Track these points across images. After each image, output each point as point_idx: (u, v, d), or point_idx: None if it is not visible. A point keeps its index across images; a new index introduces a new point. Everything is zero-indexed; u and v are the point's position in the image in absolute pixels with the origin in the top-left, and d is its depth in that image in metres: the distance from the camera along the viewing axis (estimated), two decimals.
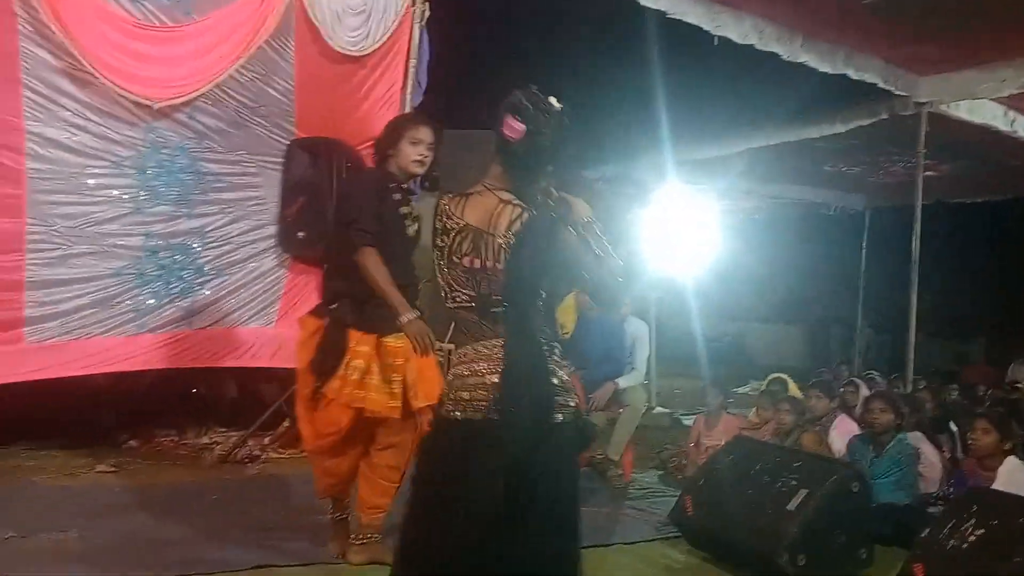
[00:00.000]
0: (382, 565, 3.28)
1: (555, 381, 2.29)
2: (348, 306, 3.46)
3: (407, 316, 3.38)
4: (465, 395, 2.33)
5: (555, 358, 2.34)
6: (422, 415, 3.41)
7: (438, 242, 2.40)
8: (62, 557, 3.45)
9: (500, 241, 2.32)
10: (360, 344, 3.41)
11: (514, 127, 2.33)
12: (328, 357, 3.42)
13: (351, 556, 3.59)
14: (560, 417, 2.28)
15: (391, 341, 3.42)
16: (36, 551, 3.50)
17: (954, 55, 5.96)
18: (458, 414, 2.34)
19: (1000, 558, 3.17)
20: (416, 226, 3.57)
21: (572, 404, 2.34)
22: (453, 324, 2.47)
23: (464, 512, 2.25)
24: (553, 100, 2.36)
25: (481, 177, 2.43)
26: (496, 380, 2.29)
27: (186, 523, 3.99)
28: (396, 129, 3.64)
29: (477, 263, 2.34)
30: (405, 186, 3.64)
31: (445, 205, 2.42)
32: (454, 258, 2.36)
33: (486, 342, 2.35)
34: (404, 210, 3.53)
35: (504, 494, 2.19)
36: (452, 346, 2.54)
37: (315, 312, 3.66)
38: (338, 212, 3.57)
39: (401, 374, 3.40)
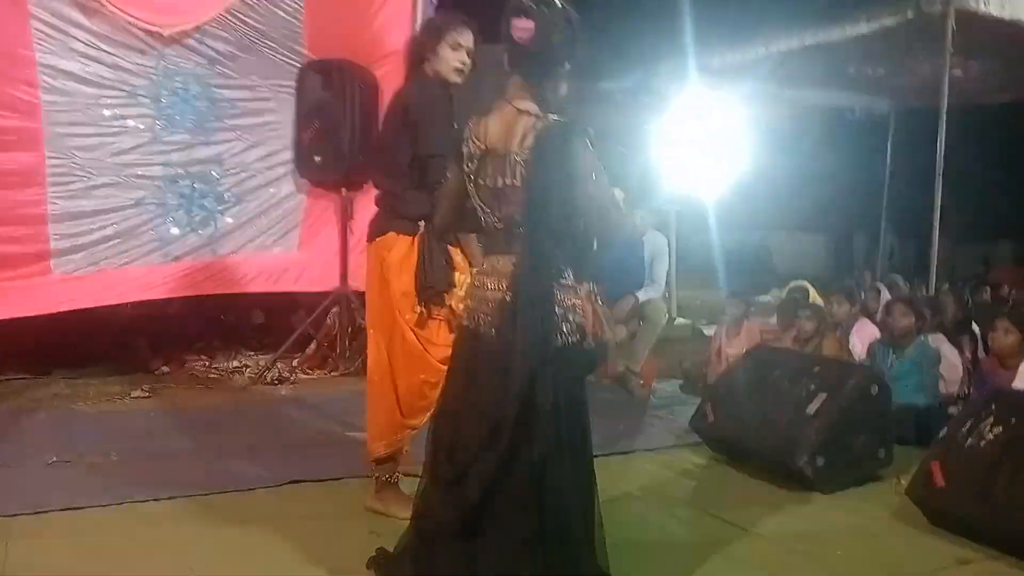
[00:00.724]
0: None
1: (557, 309, 2.30)
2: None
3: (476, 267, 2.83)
4: (474, 306, 2.44)
5: (565, 282, 2.35)
6: None
7: (466, 167, 2.43)
8: (104, 478, 3.58)
9: (516, 157, 2.32)
10: (460, 258, 3.17)
11: (523, 27, 2.29)
12: (439, 273, 3.16)
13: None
14: (560, 341, 2.30)
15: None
16: (79, 474, 3.64)
17: None
18: (469, 324, 2.46)
19: (1018, 455, 3.21)
20: None
21: (575, 329, 2.34)
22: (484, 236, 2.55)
23: (474, 418, 2.34)
24: None
25: (501, 93, 2.41)
26: (500, 297, 2.36)
27: (221, 442, 4.12)
28: (437, 31, 3.30)
29: (499, 182, 2.36)
30: None
31: (471, 128, 2.44)
32: (479, 180, 2.40)
33: (502, 258, 2.41)
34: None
35: (505, 408, 2.24)
36: None
37: (401, 229, 3.23)
38: (419, 138, 3.17)
39: None
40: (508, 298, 2.34)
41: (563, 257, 2.38)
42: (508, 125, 2.35)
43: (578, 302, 2.38)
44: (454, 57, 3.25)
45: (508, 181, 2.34)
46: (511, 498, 2.28)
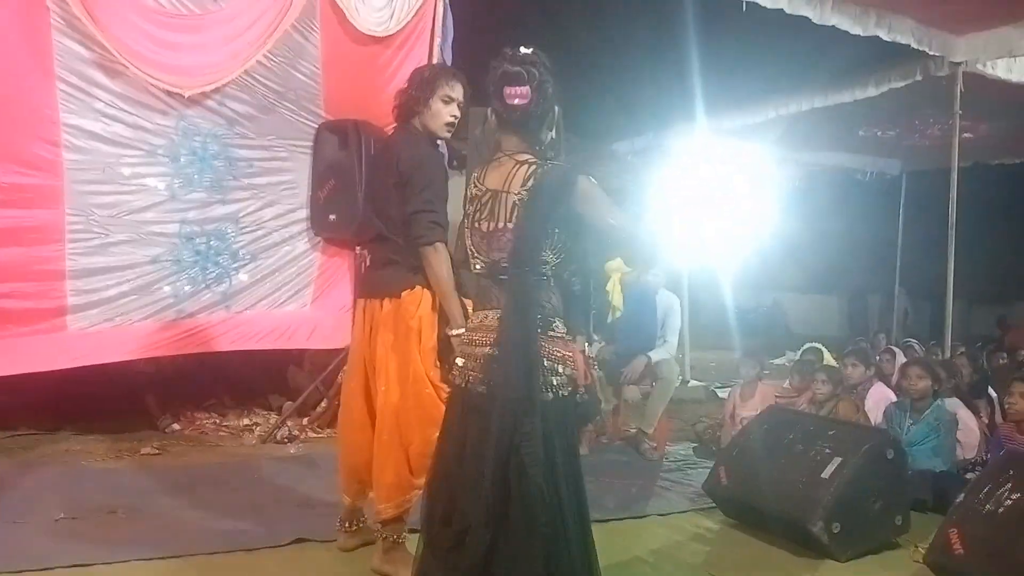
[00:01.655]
0: None
1: (546, 361, 2.31)
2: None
3: (457, 330, 2.79)
4: (462, 363, 2.47)
5: (552, 334, 2.36)
6: None
7: (466, 209, 2.49)
8: (111, 536, 3.56)
9: (514, 198, 2.38)
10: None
11: (518, 94, 2.36)
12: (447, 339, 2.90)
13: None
14: (549, 396, 2.31)
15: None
16: (86, 531, 3.62)
17: (989, 13, 5.84)
18: (459, 382, 2.47)
19: None
20: None
21: (566, 382, 2.35)
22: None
23: (468, 479, 2.33)
24: (525, 49, 2.40)
25: (498, 147, 2.50)
26: (487, 351, 2.38)
27: (228, 501, 4.09)
28: (428, 84, 3.19)
29: (491, 226, 2.41)
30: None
31: (474, 175, 2.52)
32: (475, 223, 2.45)
33: (488, 312, 2.44)
34: None
35: (494, 467, 2.25)
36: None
37: (425, 283, 3.14)
38: (407, 197, 3.09)
39: None
40: (491, 353, 2.36)
41: (554, 308, 2.39)
42: (507, 173, 2.42)
43: (569, 354, 2.38)
44: (446, 111, 3.21)
45: (501, 224, 2.39)
46: (511, 559, 2.24)
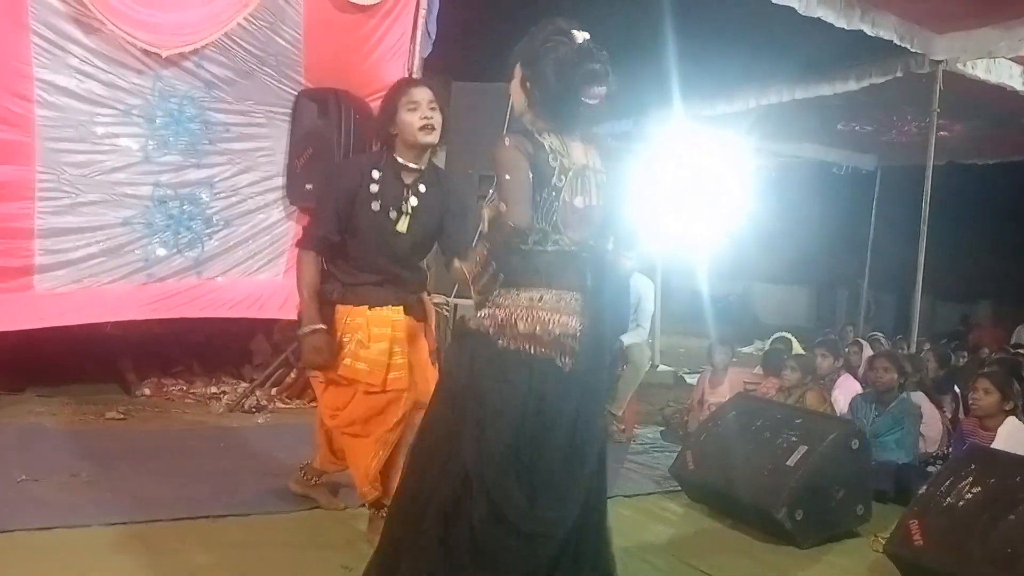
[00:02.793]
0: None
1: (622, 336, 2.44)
2: (336, 286, 3.21)
3: (307, 328, 3.09)
4: (539, 333, 2.27)
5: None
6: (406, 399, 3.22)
7: (554, 181, 2.29)
8: (73, 499, 3.52)
9: (601, 176, 2.38)
10: (352, 316, 3.17)
11: (599, 95, 2.32)
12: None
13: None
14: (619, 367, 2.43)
15: (383, 312, 3.19)
16: (47, 493, 3.56)
17: (972, 12, 5.89)
18: (531, 350, 2.28)
19: (996, 516, 3.21)
20: (407, 220, 3.17)
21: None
22: (522, 267, 2.33)
23: (536, 448, 2.23)
24: (597, 44, 2.34)
25: (546, 119, 2.36)
26: (575, 326, 2.30)
27: (193, 468, 4.05)
28: (389, 102, 3.18)
29: (586, 201, 2.35)
30: (414, 167, 3.18)
31: (548, 143, 2.31)
32: (565, 198, 2.31)
33: (563, 293, 2.33)
34: (376, 206, 3.13)
35: (568, 439, 2.24)
36: (459, 301, 2.56)
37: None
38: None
39: (402, 346, 3.19)
40: (581, 328, 2.30)
41: (617, 282, 2.46)
42: (583, 148, 2.38)
43: None
44: (415, 118, 3.10)
45: (593, 201, 2.35)
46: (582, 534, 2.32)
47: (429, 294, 3.60)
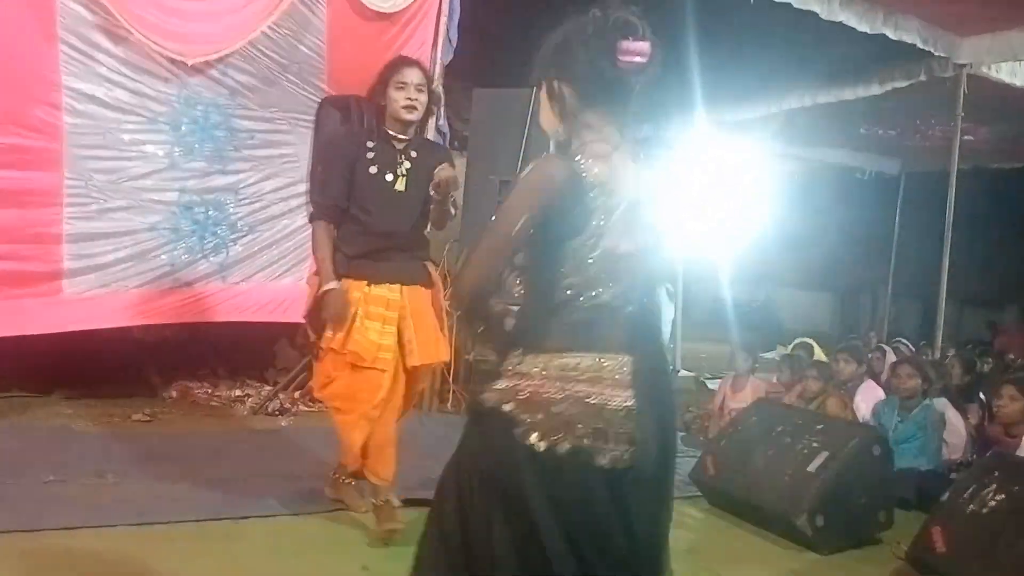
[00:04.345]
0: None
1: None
2: (340, 258, 3.38)
3: (328, 285, 3.31)
4: (578, 424, 1.72)
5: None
6: (418, 374, 3.49)
7: (595, 224, 1.76)
8: (99, 500, 3.57)
9: (649, 209, 1.83)
10: (351, 291, 3.32)
11: (636, 49, 1.74)
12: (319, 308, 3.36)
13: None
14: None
15: (379, 290, 3.35)
16: (74, 493, 3.63)
17: (996, 15, 5.83)
18: (567, 446, 1.71)
19: (1021, 524, 3.18)
20: (403, 180, 3.38)
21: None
22: (541, 326, 1.81)
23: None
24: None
25: (586, 136, 1.82)
26: (628, 406, 1.75)
27: (217, 470, 4.10)
28: (380, 78, 3.42)
29: (632, 246, 1.80)
30: (403, 137, 3.40)
31: (592, 173, 1.75)
32: (607, 244, 1.77)
33: (606, 358, 1.78)
34: (374, 169, 3.36)
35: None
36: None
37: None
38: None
39: (393, 325, 3.34)
40: (633, 405, 1.75)
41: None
42: (632, 173, 1.82)
43: None
44: (401, 96, 3.33)
45: (642, 243, 1.82)
46: None
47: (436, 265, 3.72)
